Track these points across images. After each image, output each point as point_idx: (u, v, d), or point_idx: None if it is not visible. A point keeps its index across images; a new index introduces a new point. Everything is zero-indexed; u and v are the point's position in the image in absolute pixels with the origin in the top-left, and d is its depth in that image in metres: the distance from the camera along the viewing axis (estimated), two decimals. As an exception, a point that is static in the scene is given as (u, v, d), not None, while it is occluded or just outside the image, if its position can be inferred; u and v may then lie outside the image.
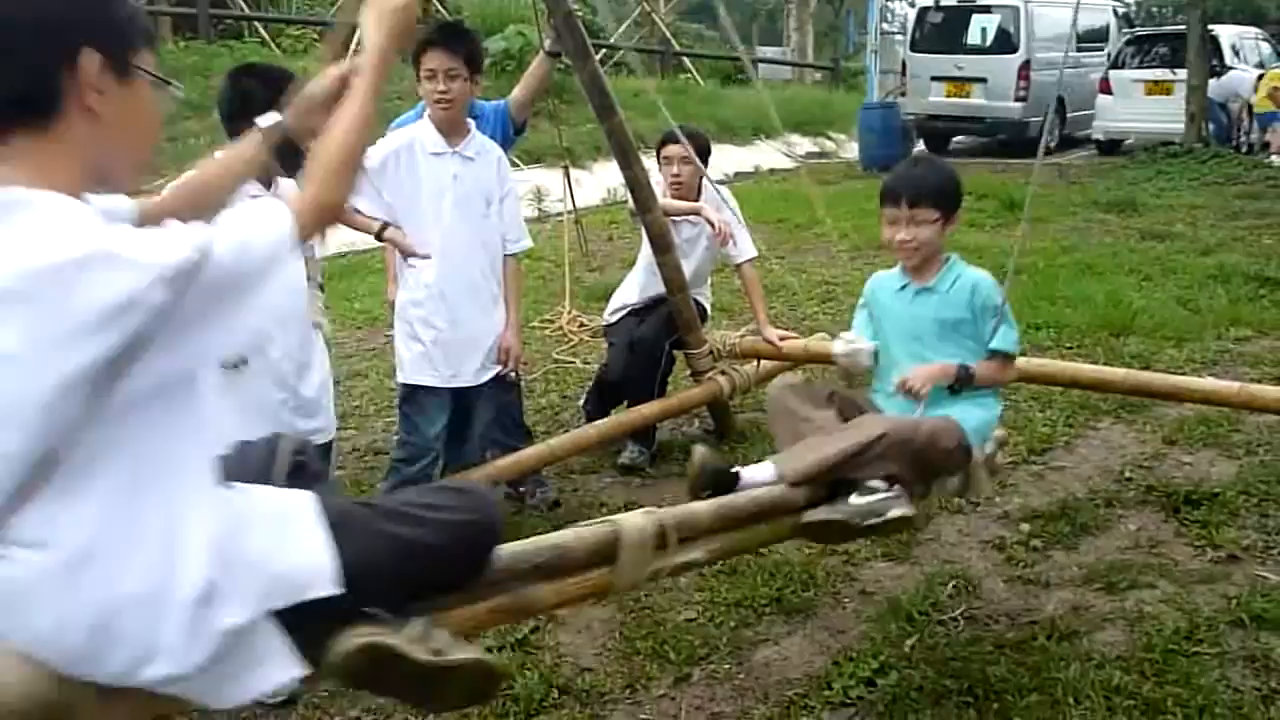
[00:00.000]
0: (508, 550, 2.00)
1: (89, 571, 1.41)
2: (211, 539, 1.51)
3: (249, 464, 1.86)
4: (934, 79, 17.21)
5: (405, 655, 1.66)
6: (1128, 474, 4.56)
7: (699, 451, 2.88)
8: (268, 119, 1.96)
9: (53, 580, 1.41)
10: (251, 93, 3.00)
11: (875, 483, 2.79)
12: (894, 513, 2.77)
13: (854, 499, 2.77)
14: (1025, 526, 4.08)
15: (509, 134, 4.51)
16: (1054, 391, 5.31)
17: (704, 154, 4.82)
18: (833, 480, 2.79)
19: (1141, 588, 3.60)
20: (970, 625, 3.44)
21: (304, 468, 1.99)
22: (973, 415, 3.07)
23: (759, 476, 2.82)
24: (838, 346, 3.20)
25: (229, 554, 1.52)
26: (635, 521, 2.28)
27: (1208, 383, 4.28)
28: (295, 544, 1.60)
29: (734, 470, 2.84)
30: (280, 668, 1.59)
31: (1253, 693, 2.98)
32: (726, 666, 3.27)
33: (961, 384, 3.04)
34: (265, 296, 1.48)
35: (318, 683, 1.68)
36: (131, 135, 1.56)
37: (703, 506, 2.59)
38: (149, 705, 1.59)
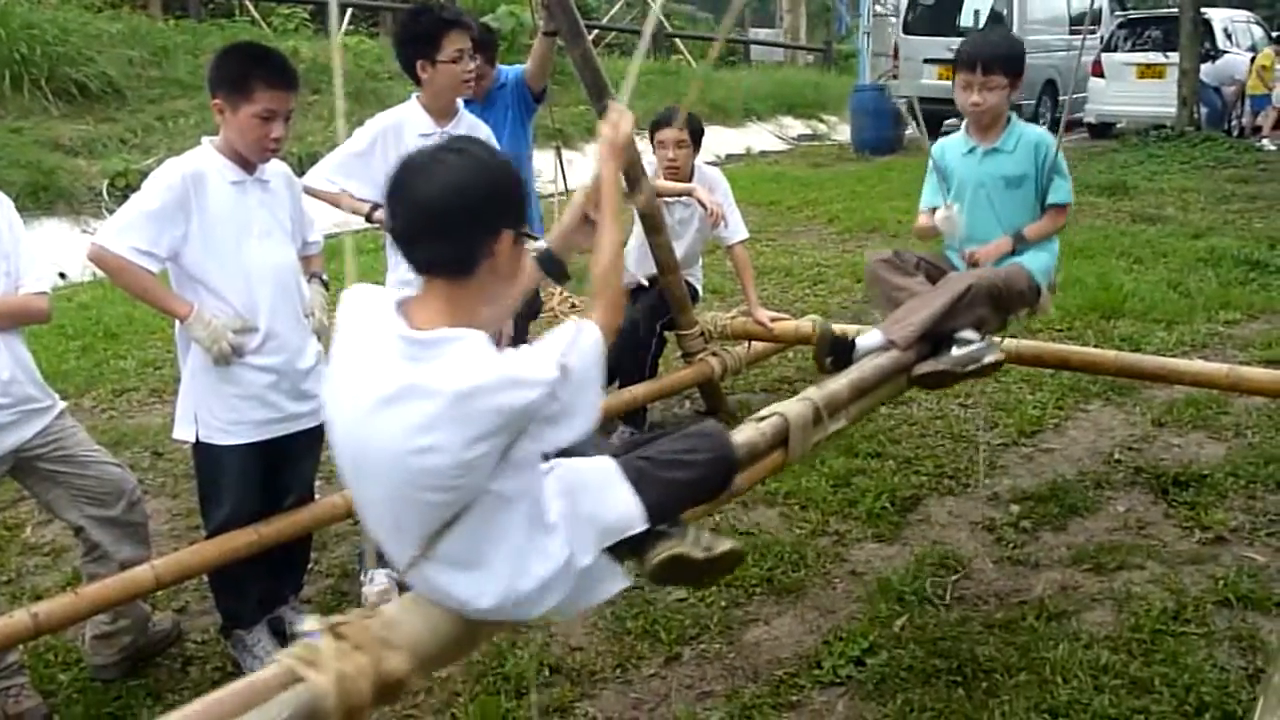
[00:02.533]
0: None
1: (495, 567, 1.99)
2: (563, 515, 2.08)
3: None
4: (926, 61, 17.15)
5: (692, 557, 2.24)
6: (1117, 456, 4.59)
7: (821, 324, 3.62)
8: (536, 248, 2.36)
9: (472, 573, 1.98)
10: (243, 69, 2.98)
11: (968, 333, 3.30)
12: (989, 358, 3.33)
13: (955, 351, 3.29)
14: (1015, 508, 4.10)
15: (529, 102, 4.55)
16: (1044, 374, 5.33)
17: (697, 137, 4.80)
18: (934, 335, 3.29)
19: (1130, 568, 3.63)
20: (959, 605, 3.46)
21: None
22: (1038, 259, 3.55)
23: (870, 343, 3.33)
24: (939, 215, 3.60)
25: (573, 517, 2.10)
26: (796, 408, 2.81)
27: (1197, 365, 4.30)
28: (613, 500, 2.16)
29: (851, 339, 3.34)
30: (614, 583, 2.17)
31: (1239, 672, 3.01)
32: (717, 646, 3.28)
33: (1020, 250, 3.52)
34: (596, 393, 2.02)
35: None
36: (517, 280, 2.07)
37: (841, 383, 3.06)
38: (515, 624, 2.30)
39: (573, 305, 7.07)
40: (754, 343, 4.91)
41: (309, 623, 1.83)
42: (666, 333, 4.86)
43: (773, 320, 4.79)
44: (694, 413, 5.29)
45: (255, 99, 2.94)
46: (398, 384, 1.83)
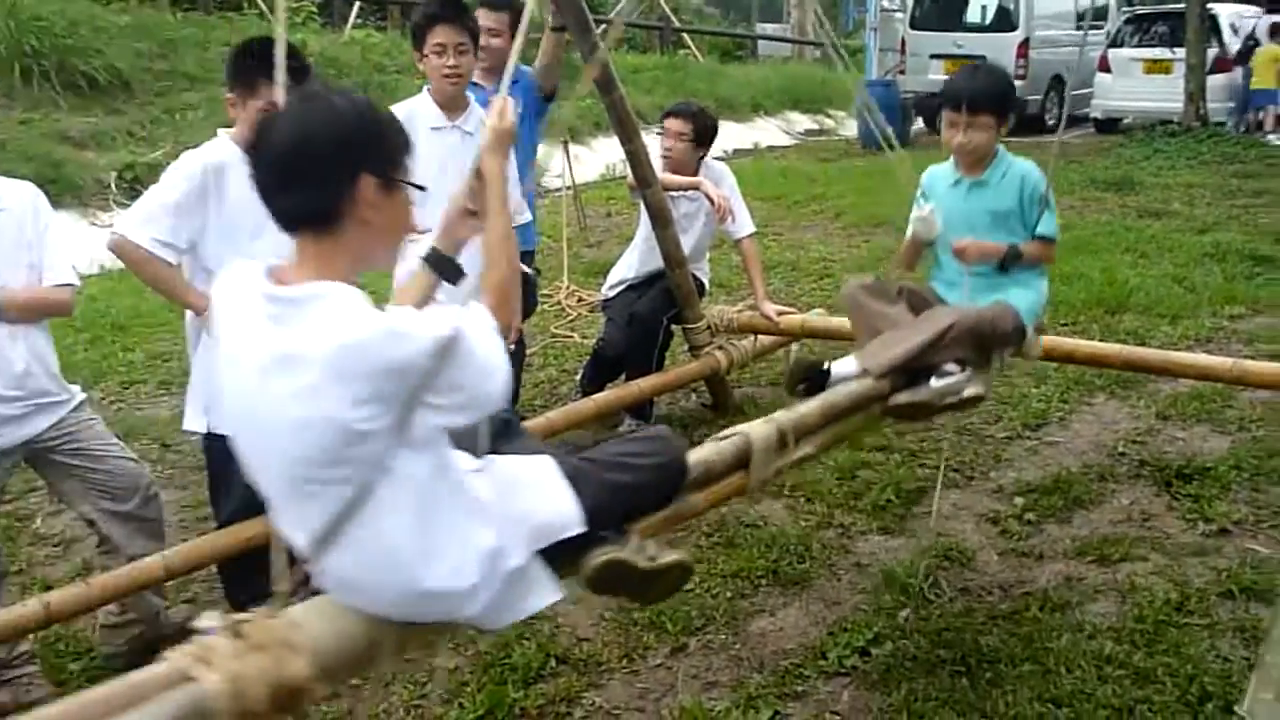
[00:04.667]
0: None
1: (405, 557, 1.84)
2: (492, 510, 1.95)
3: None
4: (933, 57, 17.14)
5: (633, 565, 2.15)
6: (1121, 449, 4.60)
7: (794, 351, 3.55)
8: (422, 247, 2.33)
9: (379, 566, 1.84)
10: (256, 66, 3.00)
11: (949, 366, 3.19)
12: (969, 391, 3.21)
13: (933, 382, 3.18)
14: (1019, 500, 4.12)
15: (539, 101, 4.55)
16: (1049, 367, 5.33)
17: (710, 133, 4.82)
18: (911, 370, 3.18)
19: (1133, 560, 3.64)
20: (964, 597, 3.48)
21: (508, 424, 2.32)
22: (1025, 299, 3.44)
23: (845, 370, 3.21)
24: (914, 216, 3.52)
25: (505, 516, 1.96)
26: (760, 430, 2.68)
27: (1201, 359, 4.30)
28: (549, 499, 2.06)
29: (825, 367, 3.23)
30: (544, 593, 2.01)
31: (1242, 662, 3.02)
32: (723, 637, 3.30)
33: (1010, 261, 3.41)
34: (497, 376, 1.86)
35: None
36: (392, 232, 1.94)
37: (811, 407, 2.94)
38: (439, 632, 2.06)
39: (580, 299, 7.09)
40: (760, 337, 4.93)
41: (208, 618, 1.72)
42: (673, 326, 4.88)
43: (779, 314, 4.80)
44: (700, 405, 5.31)
45: (261, 94, 2.97)
46: (270, 352, 1.73)
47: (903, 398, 3.16)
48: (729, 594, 3.53)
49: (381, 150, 1.89)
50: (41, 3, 10.93)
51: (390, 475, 1.79)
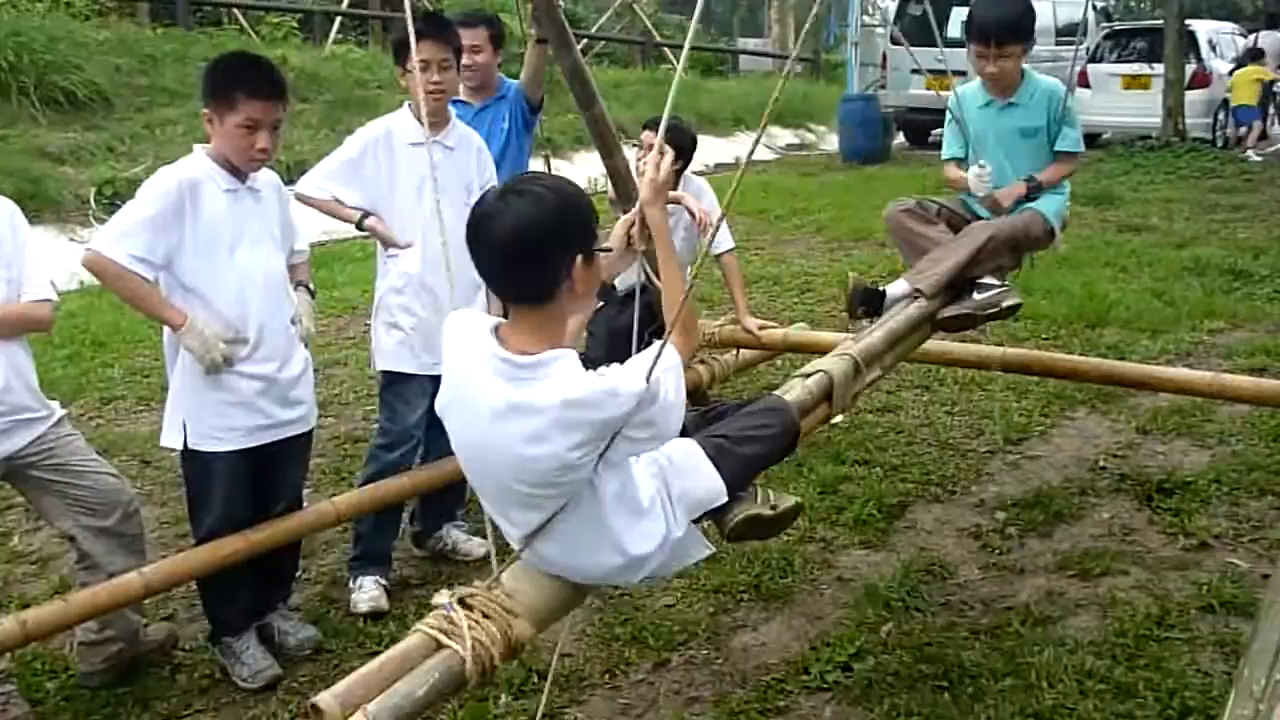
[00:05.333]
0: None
1: (603, 543, 2.25)
2: (661, 499, 2.32)
3: None
4: (914, 71, 17.22)
5: (763, 516, 2.54)
6: (1102, 463, 4.62)
7: (852, 276, 3.69)
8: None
9: (582, 551, 2.26)
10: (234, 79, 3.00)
11: (988, 279, 3.53)
12: (1008, 301, 3.56)
13: (976, 295, 3.52)
14: (1001, 514, 4.13)
15: (526, 114, 4.56)
16: (1030, 381, 5.36)
17: (690, 148, 4.83)
18: (957, 283, 3.50)
19: (1114, 574, 3.65)
20: (945, 611, 3.48)
21: None
22: (1051, 203, 3.79)
23: (899, 291, 3.54)
24: (972, 175, 3.75)
25: (667, 496, 2.34)
26: (840, 365, 3.01)
27: (1181, 373, 4.33)
28: (700, 478, 2.41)
29: (880, 290, 3.56)
30: (700, 550, 2.42)
31: (1222, 677, 3.03)
32: (705, 652, 3.30)
33: (1034, 194, 3.74)
34: (677, 415, 2.24)
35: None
36: (591, 291, 2.26)
37: (877, 336, 3.26)
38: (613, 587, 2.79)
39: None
40: (742, 350, 4.93)
41: (441, 595, 2.11)
42: (655, 341, 4.86)
43: (760, 328, 4.80)
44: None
45: (238, 109, 2.96)
46: (505, 401, 2.10)
47: (950, 310, 3.51)
48: (711, 609, 3.52)
49: (587, 232, 2.20)
50: (20, 18, 10.91)
51: (591, 488, 2.19)
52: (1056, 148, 3.81)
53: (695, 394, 4.99)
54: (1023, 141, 3.82)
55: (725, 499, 2.44)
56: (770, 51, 27.08)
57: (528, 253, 2.11)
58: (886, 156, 16.11)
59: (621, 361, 5.00)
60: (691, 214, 4.68)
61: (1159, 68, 15.07)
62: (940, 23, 17.28)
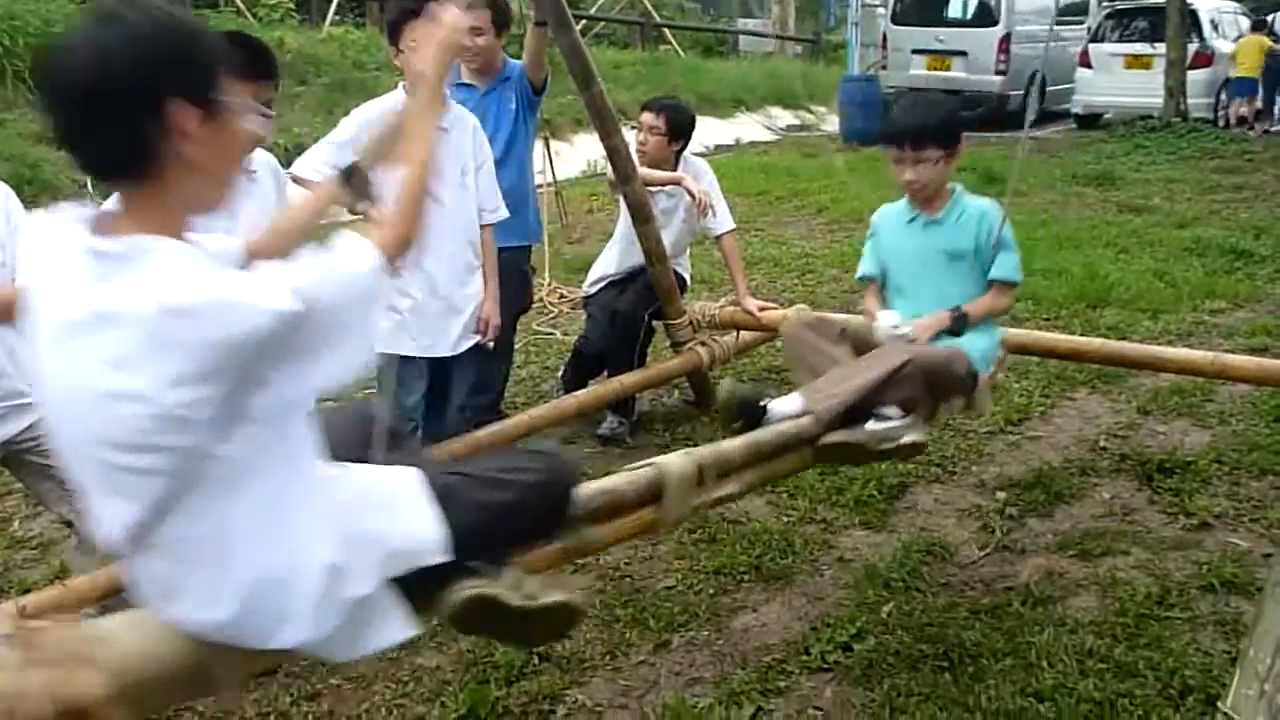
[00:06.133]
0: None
1: (233, 561, 1.62)
2: (335, 524, 1.71)
3: (341, 432, 1.99)
4: (914, 52, 17.17)
5: (504, 603, 1.86)
6: (1103, 443, 4.61)
7: (727, 385, 3.14)
8: (342, 160, 2.15)
9: (202, 570, 1.62)
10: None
11: (890, 409, 2.95)
12: (908, 438, 2.97)
13: (870, 424, 2.93)
14: (1001, 495, 4.13)
15: (531, 95, 4.54)
16: (1031, 362, 5.35)
17: (685, 127, 4.81)
18: (856, 410, 2.94)
19: (1115, 554, 3.65)
20: (946, 592, 3.48)
21: (396, 435, 2.14)
22: (978, 343, 3.28)
23: (787, 409, 2.96)
24: (880, 323, 3.29)
25: (352, 534, 1.72)
26: (677, 463, 2.48)
27: (1182, 353, 4.32)
28: (408, 520, 1.79)
29: (763, 403, 2.98)
30: (397, 627, 1.79)
31: (1223, 656, 3.03)
32: (705, 633, 3.29)
33: (960, 329, 3.25)
34: (367, 326, 1.67)
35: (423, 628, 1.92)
36: (223, 165, 1.65)
37: (734, 444, 2.73)
38: (274, 660, 1.89)
39: (561, 296, 7.07)
40: (742, 332, 4.92)
41: (3, 615, 1.61)
42: (655, 322, 4.87)
43: (761, 309, 4.80)
44: (682, 402, 5.30)
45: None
46: (86, 308, 1.48)
47: (836, 437, 2.91)
48: (711, 590, 3.52)
49: (197, 72, 1.57)
50: (14, 2, 10.83)
51: (218, 463, 1.55)
52: (991, 275, 3.32)
53: (696, 377, 5.00)
54: (949, 265, 3.34)
55: (442, 558, 1.79)
56: (770, 32, 26.95)
57: (102, 100, 1.50)
58: (887, 138, 16.04)
59: (623, 347, 4.86)
60: (691, 195, 4.66)
61: (1161, 47, 15.03)
62: (940, 4, 17.28)
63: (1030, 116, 4.06)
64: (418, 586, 1.81)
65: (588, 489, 2.27)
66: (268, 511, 1.62)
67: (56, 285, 1.54)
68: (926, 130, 3.24)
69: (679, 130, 4.78)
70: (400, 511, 1.80)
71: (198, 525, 1.59)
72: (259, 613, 1.65)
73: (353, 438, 1.99)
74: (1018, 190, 10.64)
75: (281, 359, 1.53)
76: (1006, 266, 3.31)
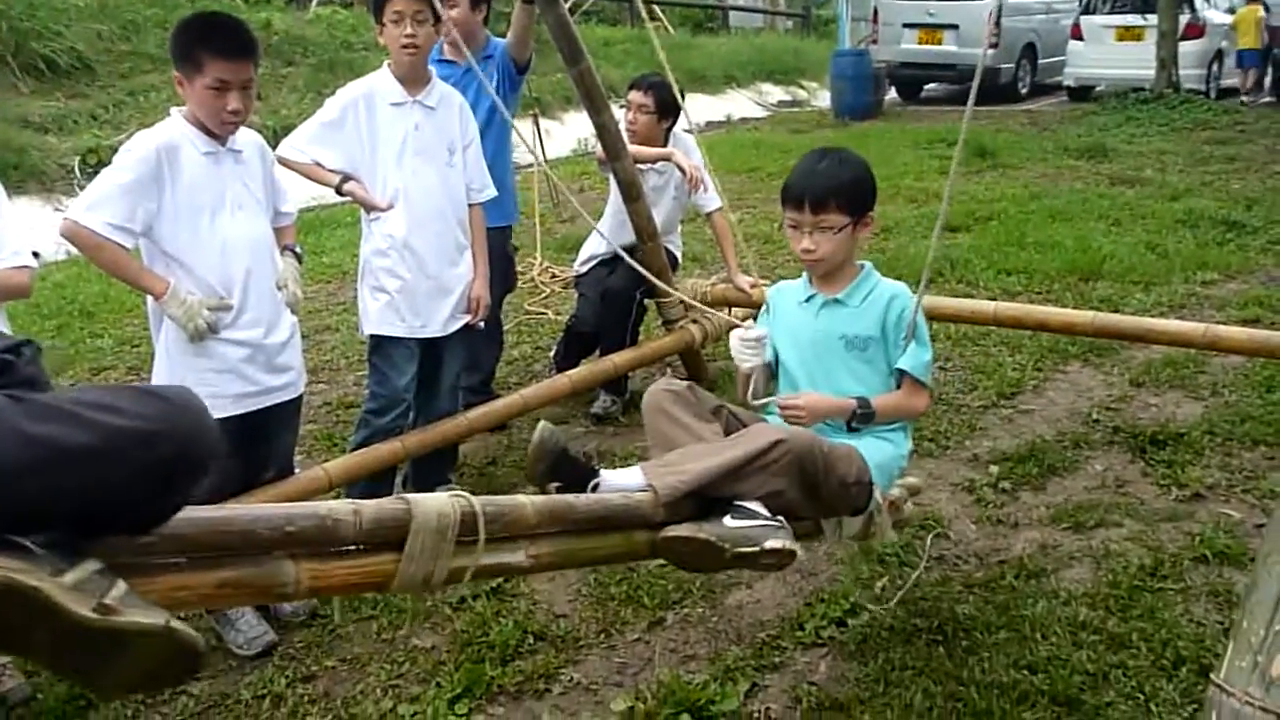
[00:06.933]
0: (251, 510, 1.72)
1: None
2: None
3: None
4: (906, 26, 17.11)
5: (58, 606, 1.23)
6: (1095, 416, 4.61)
7: (542, 428, 2.39)
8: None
9: None
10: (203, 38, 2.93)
11: (754, 505, 2.35)
12: (770, 543, 2.29)
13: (727, 520, 2.31)
14: (994, 468, 4.13)
15: (513, 73, 4.51)
16: (1023, 335, 5.35)
17: (668, 107, 4.78)
18: (708, 497, 2.35)
19: (1108, 526, 3.66)
20: (940, 566, 3.49)
21: (11, 367, 1.55)
22: (880, 452, 2.69)
23: (624, 482, 2.35)
24: (734, 337, 2.86)
25: None
26: (435, 503, 1.82)
27: (1174, 325, 4.31)
28: None
29: (591, 465, 2.44)
30: None
31: (1215, 626, 3.04)
32: (700, 610, 3.30)
33: (859, 422, 2.70)
34: None
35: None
36: None
37: (529, 500, 2.06)
38: None
39: (553, 275, 7.05)
40: (734, 309, 4.91)
41: None
42: (647, 300, 4.86)
43: (752, 286, 4.79)
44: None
45: (206, 70, 2.90)
46: None
47: (682, 530, 2.27)
48: (706, 568, 3.52)
49: None
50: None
51: None
52: (899, 364, 2.72)
53: (689, 355, 4.99)
54: (848, 354, 2.75)
55: None
56: (760, 8, 26.83)
57: None
58: (879, 112, 16.02)
59: (615, 325, 4.81)
60: (682, 170, 4.65)
61: (1152, 19, 14.99)
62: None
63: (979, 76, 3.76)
64: None
65: (290, 507, 1.72)
66: None
67: None
68: (830, 191, 2.69)
69: (667, 108, 4.76)
70: None
71: None
72: None
73: None
74: (1008, 164, 10.71)
75: None
76: (917, 362, 2.72)
